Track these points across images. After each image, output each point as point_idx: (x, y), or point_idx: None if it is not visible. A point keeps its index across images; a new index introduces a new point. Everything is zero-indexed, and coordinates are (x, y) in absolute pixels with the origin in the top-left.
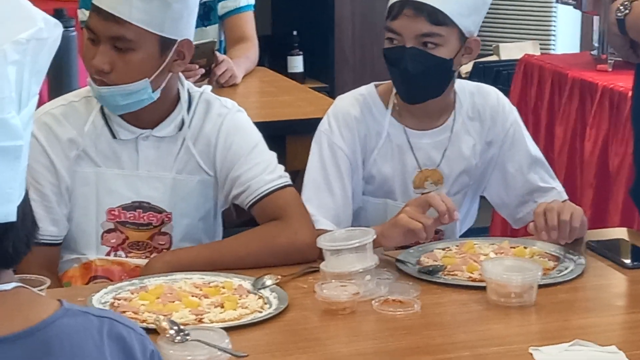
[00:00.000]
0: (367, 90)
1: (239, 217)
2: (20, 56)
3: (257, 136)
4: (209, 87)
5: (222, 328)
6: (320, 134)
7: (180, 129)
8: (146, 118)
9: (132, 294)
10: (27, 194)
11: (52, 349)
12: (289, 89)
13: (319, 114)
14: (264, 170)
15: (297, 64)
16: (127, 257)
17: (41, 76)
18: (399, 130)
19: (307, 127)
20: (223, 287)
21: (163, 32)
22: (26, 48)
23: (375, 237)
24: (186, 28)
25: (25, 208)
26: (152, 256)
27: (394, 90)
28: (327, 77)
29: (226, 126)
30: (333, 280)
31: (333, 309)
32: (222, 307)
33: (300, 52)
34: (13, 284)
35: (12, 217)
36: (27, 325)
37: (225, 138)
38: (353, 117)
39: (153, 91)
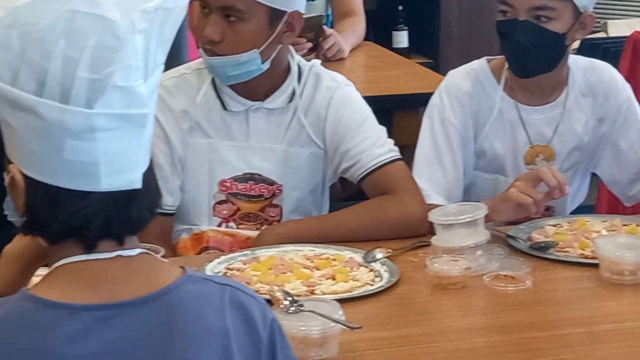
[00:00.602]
0: (479, 64)
1: (344, 192)
2: (147, 25)
3: (367, 110)
4: (318, 61)
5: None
6: (432, 109)
7: (291, 100)
8: (257, 89)
9: (245, 264)
10: (151, 163)
11: (175, 313)
12: (395, 64)
13: (426, 89)
14: (373, 144)
15: (401, 39)
16: (238, 228)
17: (167, 46)
18: (510, 106)
19: (414, 102)
20: (334, 260)
21: (273, 3)
22: (153, 17)
23: (487, 212)
24: (296, 0)
25: (149, 176)
26: (262, 228)
27: (506, 65)
28: (431, 53)
29: (336, 99)
30: (444, 255)
31: (444, 283)
32: (334, 279)
33: (405, 27)
34: (138, 250)
35: (138, 184)
36: (152, 290)
37: (335, 111)
38: (465, 92)
39: (262, 62)
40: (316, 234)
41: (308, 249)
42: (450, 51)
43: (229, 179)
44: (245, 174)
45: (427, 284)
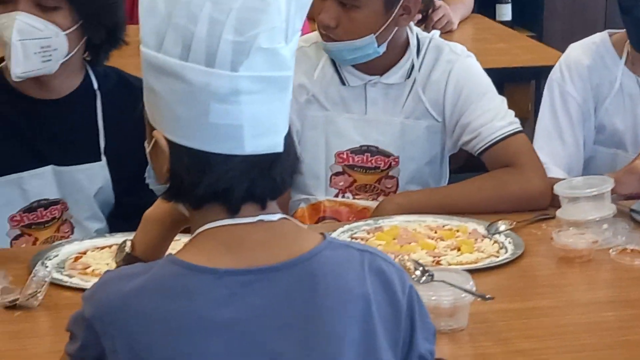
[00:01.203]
0: (600, 38)
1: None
2: None
3: (487, 81)
4: (438, 32)
5: None
6: (552, 83)
7: (409, 76)
8: (375, 65)
9: (368, 234)
10: (290, 127)
11: (317, 279)
12: (504, 37)
13: (536, 62)
14: (494, 117)
15: (505, 11)
16: (354, 199)
17: (304, 12)
18: (631, 81)
19: (524, 75)
20: (457, 231)
21: None
22: None
23: (613, 185)
24: None
25: (289, 140)
26: (379, 199)
27: (628, 39)
28: (535, 26)
29: (456, 72)
30: (570, 228)
31: (570, 256)
32: (459, 250)
33: (509, 0)
34: (279, 215)
35: (280, 147)
36: (293, 255)
37: (455, 85)
38: (585, 66)
39: (379, 45)
40: (437, 205)
41: (430, 220)
42: (554, 25)
43: (346, 150)
44: (361, 146)
45: (552, 257)
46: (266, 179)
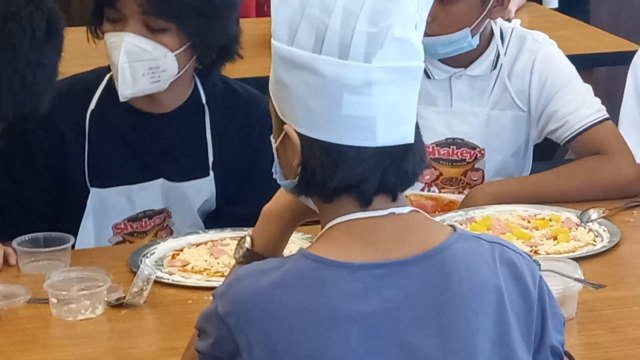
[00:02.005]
0: None
1: None
2: None
3: (571, 69)
4: (518, 22)
5: None
6: (636, 67)
7: (495, 67)
8: (460, 57)
9: (461, 224)
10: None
11: (450, 271)
12: (564, 24)
13: (601, 49)
14: (581, 105)
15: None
16: (440, 192)
17: (429, 6)
18: None
19: (590, 62)
20: (550, 220)
21: None
22: None
23: None
24: None
25: (417, 129)
26: (465, 192)
27: None
28: (582, 14)
29: (539, 61)
30: None
31: None
32: (555, 239)
33: None
34: (409, 208)
35: (410, 138)
36: (425, 248)
37: (539, 73)
38: None
39: (472, 38)
40: (527, 194)
41: (521, 209)
42: (601, 13)
43: (431, 144)
44: (447, 139)
45: None
46: (398, 170)
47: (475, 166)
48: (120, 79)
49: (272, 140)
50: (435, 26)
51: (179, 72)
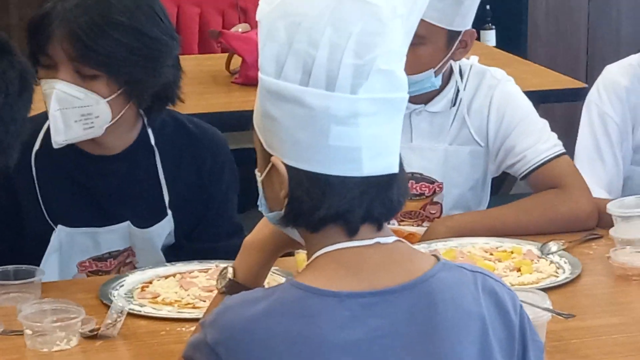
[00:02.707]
0: (637, 59)
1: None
2: (405, 10)
3: (528, 104)
4: (476, 58)
5: None
6: (590, 104)
7: (454, 103)
8: (421, 94)
9: None
10: None
11: (436, 300)
12: (506, 62)
13: (546, 86)
14: (538, 140)
15: (489, 37)
16: (399, 225)
17: (410, 36)
18: None
19: (535, 99)
20: (512, 252)
21: (451, 26)
22: (412, 4)
23: None
24: (471, 19)
25: (400, 160)
26: (423, 224)
27: None
28: (519, 51)
29: (497, 97)
30: (627, 247)
31: (628, 274)
32: (519, 270)
33: (493, 27)
34: (394, 238)
35: (395, 168)
36: (410, 277)
37: (497, 109)
38: (623, 87)
39: (435, 78)
40: (487, 228)
41: (483, 242)
42: (538, 50)
43: None
44: (406, 173)
45: (610, 275)
46: (384, 199)
47: (434, 200)
48: (53, 126)
49: (257, 174)
50: None
51: (113, 118)
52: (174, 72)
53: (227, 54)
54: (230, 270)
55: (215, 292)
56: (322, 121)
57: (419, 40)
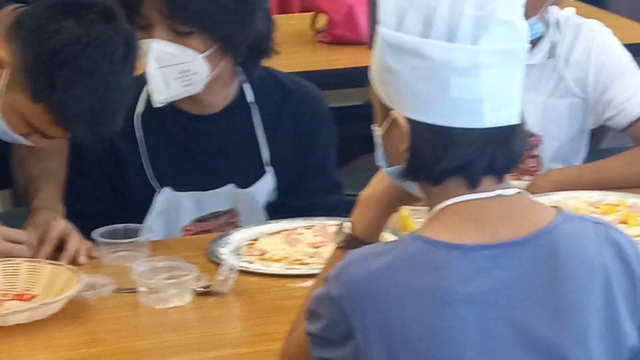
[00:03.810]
0: None
1: None
2: None
3: (627, 57)
4: (573, 10)
5: None
6: None
7: (551, 56)
8: None
9: None
10: None
11: (558, 251)
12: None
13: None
14: (637, 92)
15: None
16: None
17: None
18: None
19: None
20: (617, 205)
21: None
22: None
23: None
24: None
25: (521, 111)
26: (523, 178)
27: None
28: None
29: (596, 49)
30: None
31: None
32: (625, 223)
33: None
34: (515, 190)
35: (516, 119)
36: (533, 229)
37: (596, 61)
38: None
39: (539, 24)
40: (589, 181)
41: (586, 196)
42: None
43: None
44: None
45: None
46: (505, 151)
47: (533, 153)
48: (153, 85)
49: (376, 128)
50: None
51: (211, 74)
52: (266, 24)
53: (309, 13)
54: (347, 224)
55: (324, 247)
56: (443, 73)
57: None
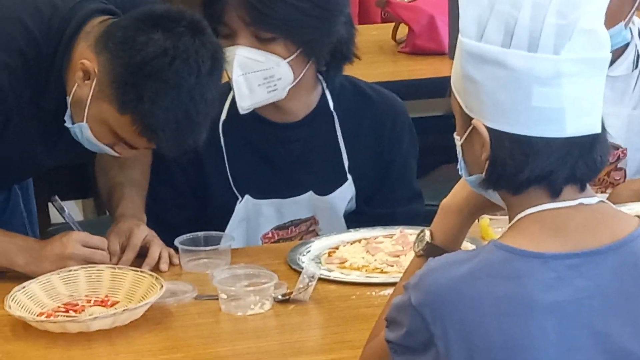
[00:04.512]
0: None
1: None
2: None
3: None
4: None
5: None
6: None
7: (636, 66)
8: None
9: None
10: None
11: None
12: None
13: None
14: None
15: None
16: None
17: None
18: None
19: None
20: None
21: None
22: None
23: None
24: None
25: (602, 119)
26: (607, 191)
27: None
28: None
29: None
30: None
31: None
32: None
33: None
34: (597, 199)
35: (598, 128)
36: (616, 238)
37: None
38: None
39: (625, 31)
40: None
41: None
42: None
43: None
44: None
45: None
46: (587, 160)
47: (618, 166)
48: (237, 91)
49: (456, 138)
50: None
51: (295, 79)
52: (347, 28)
53: (392, 24)
54: (427, 233)
55: (403, 256)
56: (525, 82)
57: None
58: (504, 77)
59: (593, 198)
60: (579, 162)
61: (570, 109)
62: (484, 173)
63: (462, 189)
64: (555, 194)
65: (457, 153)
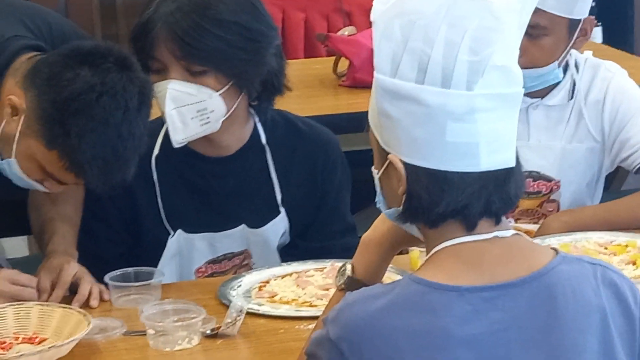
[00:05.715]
0: None
1: None
2: (519, 5)
3: None
4: (590, 52)
5: None
6: None
7: (571, 97)
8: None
9: None
10: None
11: (556, 292)
12: (614, 58)
13: None
14: None
15: (596, 34)
16: (515, 223)
17: (522, 31)
18: None
19: None
20: (627, 246)
21: (572, 14)
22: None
23: None
24: (589, 5)
25: (516, 154)
26: (539, 222)
27: None
28: (626, 47)
29: (612, 90)
30: None
31: None
32: (634, 264)
33: (599, 23)
34: (511, 232)
35: (512, 162)
36: (530, 270)
37: (612, 102)
38: None
39: (558, 70)
40: (601, 221)
41: (597, 236)
42: None
43: None
44: (524, 172)
45: None
46: (501, 193)
47: (551, 197)
48: (170, 125)
49: (374, 171)
50: (524, 60)
51: (228, 111)
52: (278, 60)
53: (333, 57)
54: (348, 267)
55: (333, 290)
56: (439, 118)
57: (542, 32)
58: (418, 113)
59: (508, 231)
60: (494, 195)
61: (485, 143)
62: (401, 206)
63: (382, 223)
64: (470, 228)
65: (376, 186)
